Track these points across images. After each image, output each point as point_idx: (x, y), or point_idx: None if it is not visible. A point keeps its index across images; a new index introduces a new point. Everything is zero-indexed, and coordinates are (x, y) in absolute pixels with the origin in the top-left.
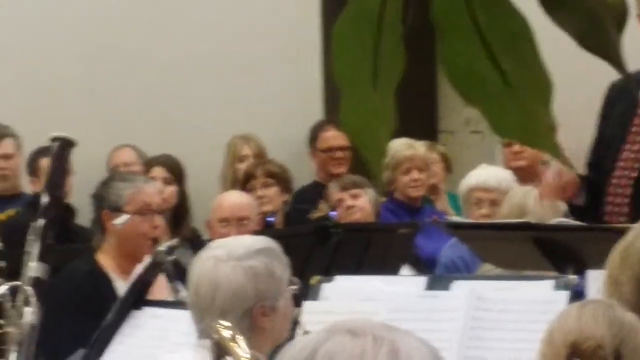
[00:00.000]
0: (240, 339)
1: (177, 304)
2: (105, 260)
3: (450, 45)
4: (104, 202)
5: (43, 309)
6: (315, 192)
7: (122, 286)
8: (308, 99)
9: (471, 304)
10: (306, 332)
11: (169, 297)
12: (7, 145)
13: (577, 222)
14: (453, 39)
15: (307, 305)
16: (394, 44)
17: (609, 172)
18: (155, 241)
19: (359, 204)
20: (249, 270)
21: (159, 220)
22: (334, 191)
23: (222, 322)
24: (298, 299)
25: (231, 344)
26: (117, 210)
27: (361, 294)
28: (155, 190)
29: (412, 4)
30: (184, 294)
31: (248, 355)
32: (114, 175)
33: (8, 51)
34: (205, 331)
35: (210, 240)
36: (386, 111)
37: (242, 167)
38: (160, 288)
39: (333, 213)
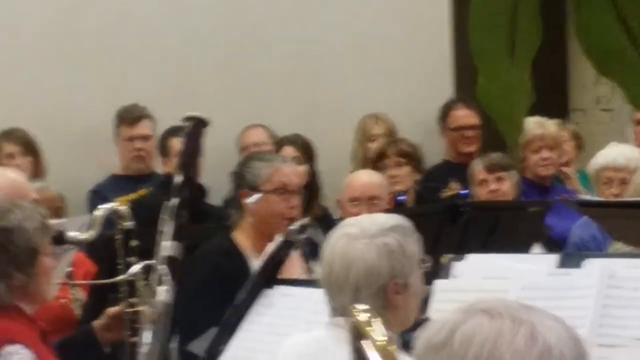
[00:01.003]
0: (377, 322)
1: (309, 282)
2: (242, 238)
3: (584, 16)
4: (242, 181)
5: (180, 286)
6: (445, 170)
7: (257, 265)
8: (438, 78)
9: (604, 281)
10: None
11: (303, 276)
12: (144, 127)
13: None
14: (587, 9)
15: (438, 283)
16: (530, 16)
17: None
18: (292, 221)
19: (503, 189)
20: (382, 248)
21: (296, 200)
22: (479, 170)
23: (358, 305)
24: (429, 278)
25: (367, 328)
26: (255, 189)
27: (492, 272)
28: (294, 170)
29: None
30: (317, 272)
31: (385, 339)
32: (253, 154)
33: (149, 35)
34: (338, 309)
35: (340, 219)
36: (523, 84)
37: (373, 146)
38: (294, 266)
39: (464, 192)
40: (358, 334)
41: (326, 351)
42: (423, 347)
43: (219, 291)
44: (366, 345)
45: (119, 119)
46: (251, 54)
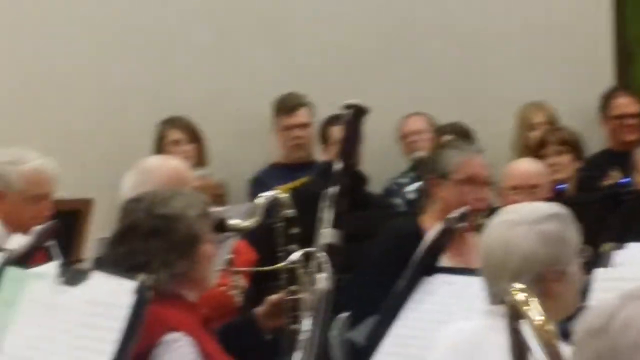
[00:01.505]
0: (534, 301)
1: (470, 271)
2: (428, 224)
3: None
4: (433, 168)
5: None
6: (606, 159)
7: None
8: (599, 65)
9: None
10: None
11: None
12: (302, 115)
13: None
14: None
15: (598, 272)
16: None
17: None
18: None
19: None
20: (541, 234)
21: (485, 193)
22: None
23: (515, 284)
24: (589, 267)
25: (524, 307)
26: (444, 177)
27: None
28: (483, 162)
29: None
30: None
31: (541, 318)
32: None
33: (310, 23)
34: (497, 296)
35: (500, 207)
36: None
37: (534, 134)
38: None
39: (625, 180)
40: (515, 314)
41: (484, 340)
42: (582, 333)
43: (392, 271)
44: (523, 326)
45: (276, 108)
46: (412, 42)
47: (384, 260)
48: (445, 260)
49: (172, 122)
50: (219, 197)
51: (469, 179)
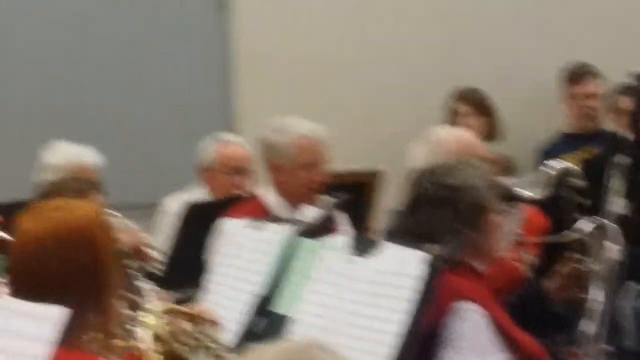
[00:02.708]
0: None
1: None
2: None
3: None
4: None
5: None
6: None
7: None
8: None
9: None
10: None
11: None
12: (591, 85)
13: None
14: None
15: None
16: None
17: None
18: None
19: None
20: None
21: None
22: None
23: None
24: None
25: None
26: None
27: None
28: None
29: None
30: None
31: None
32: None
33: None
34: None
35: None
36: None
37: None
38: None
39: None
40: None
41: None
42: None
43: None
44: None
45: (565, 78)
46: None
47: None
48: None
49: (463, 95)
50: (506, 168)
51: None
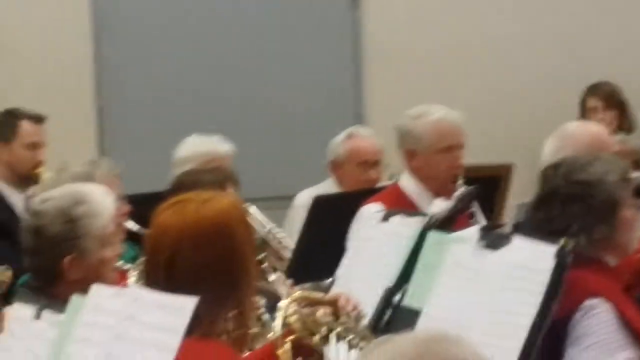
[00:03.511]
0: None
1: None
2: None
3: None
4: None
5: None
6: None
7: None
8: None
9: None
10: None
11: None
12: None
13: None
14: None
15: None
16: None
17: None
18: None
19: None
20: None
21: None
22: None
23: None
24: None
25: None
26: None
27: None
28: None
29: None
30: None
31: None
32: None
33: None
34: None
35: None
36: None
37: None
38: None
39: None
40: None
41: None
42: None
43: None
44: None
45: None
46: None
47: None
48: None
49: (594, 89)
50: (638, 162)
51: None
